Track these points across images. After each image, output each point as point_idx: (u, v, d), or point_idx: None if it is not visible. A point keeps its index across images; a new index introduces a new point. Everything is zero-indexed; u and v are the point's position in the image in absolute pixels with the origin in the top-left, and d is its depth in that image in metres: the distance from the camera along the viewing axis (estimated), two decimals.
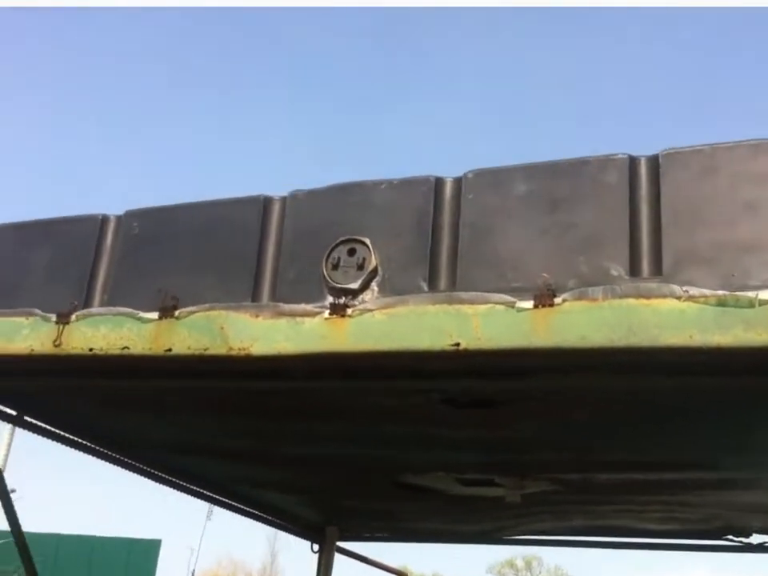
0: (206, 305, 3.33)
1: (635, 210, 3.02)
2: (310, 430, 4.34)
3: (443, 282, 3.18)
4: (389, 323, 3.07)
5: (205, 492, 5.97)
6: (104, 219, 3.77)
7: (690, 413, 3.64)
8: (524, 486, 4.95)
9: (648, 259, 2.97)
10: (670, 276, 2.89)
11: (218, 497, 6.16)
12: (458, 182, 3.27)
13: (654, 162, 3.05)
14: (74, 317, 3.52)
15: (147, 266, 3.58)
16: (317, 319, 3.17)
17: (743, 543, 6.23)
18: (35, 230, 3.88)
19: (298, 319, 3.20)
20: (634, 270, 2.97)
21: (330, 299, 3.24)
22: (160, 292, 3.39)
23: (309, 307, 3.22)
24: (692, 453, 4.25)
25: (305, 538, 7.44)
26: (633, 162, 3.08)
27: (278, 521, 6.99)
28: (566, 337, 2.86)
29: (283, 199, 3.49)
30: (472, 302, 3.00)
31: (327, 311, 3.17)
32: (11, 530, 4.41)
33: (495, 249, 3.13)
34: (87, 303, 3.62)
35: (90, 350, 3.43)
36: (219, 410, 4.11)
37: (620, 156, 3.09)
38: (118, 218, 3.75)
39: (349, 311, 3.14)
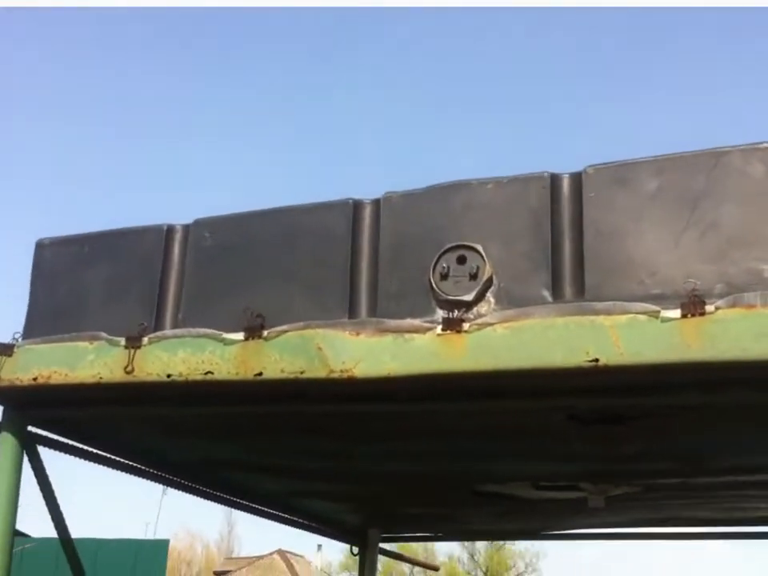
0: (299, 323, 3.01)
1: None
2: (398, 449, 4.03)
3: (569, 290, 2.87)
4: (513, 338, 2.76)
5: (247, 503, 5.63)
6: (169, 230, 3.44)
7: None
8: (609, 490, 4.66)
9: None
10: None
11: (258, 507, 5.83)
12: (576, 178, 2.96)
13: None
14: (145, 340, 3.20)
15: (225, 281, 3.26)
16: (428, 336, 2.86)
17: None
18: (91, 244, 3.55)
19: (407, 336, 2.88)
20: None
21: (441, 313, 2.93)
22: (246, 311, 3.06)
23: (417, 322, 2.90)
24: None
25: (344, 541, 7.25)
26: None
27: (317, 526, 6.71)
28: (723, 349, 2.56)
29: (375, 202, 3.17)
30: (608, 313, 2.70)
31: (439, 326, 2.86)
32: (59, 537, 4.03)
33: (627, 252, 2.82)
34: (158, 324, 3.30)
35: (168, 376, 3.11)
36: (302, 432, 3.79)
37: (765, 144, 2.79)
38: (186, 228, 3.42)
39: (465, 326, 2.83)
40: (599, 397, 2.93)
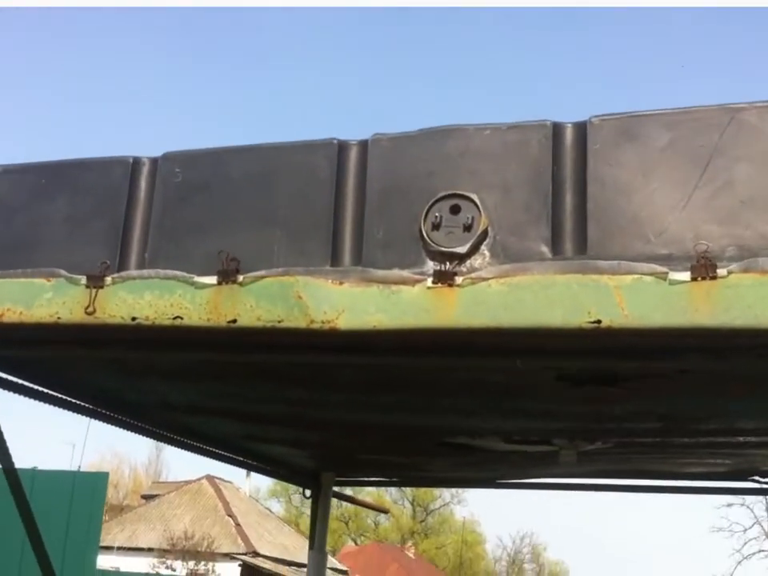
0: (278, 269, 2.82)
1: None
2: (370, 400, 3.88)
3: (569, 246, 2.72)
4: (509, 295, 2.60)
5: (199, 445, 5.42)
6: (136, 162, 3.20)
7: None
8: (582, 445, 4.57)
9: None
10: None
11: (213, 449, 5.63)
12: (580, 128, 2.80)
13: None
14: (108, 280, 2.98)
15: (196, 221, 3.04)
16: (417, 288, 2.69)
17: None
18: (51, 174, 3.28)
19: (393, 288, 2.71)
20: None
21: (432, 265, 2.76)
22: (221, 254, 2.85)
23: (405, 273, 2.73)
24: None
25: (297, 484, 7.22)
26: None
27: (271, 468, 6.58)
28: (735, 315, 2.43)
29: (362, 144, 2.97)
30: (613, 272, 2.55)
31: (430, 279, 2.69)
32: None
33: (633, 209, 2.67)
34: (122, 264, 3.07)
35: (134, 319, 2.90)
36: (269, 379, 3.61)
37: None
38: (154, 162, 3.18)
39: (458, 279, 2.66)
40: (597, 358, 2.81)
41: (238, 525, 39.77)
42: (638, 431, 4.27)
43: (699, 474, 6.00)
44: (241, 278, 2.84)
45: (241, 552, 37.71)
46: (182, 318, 2.85)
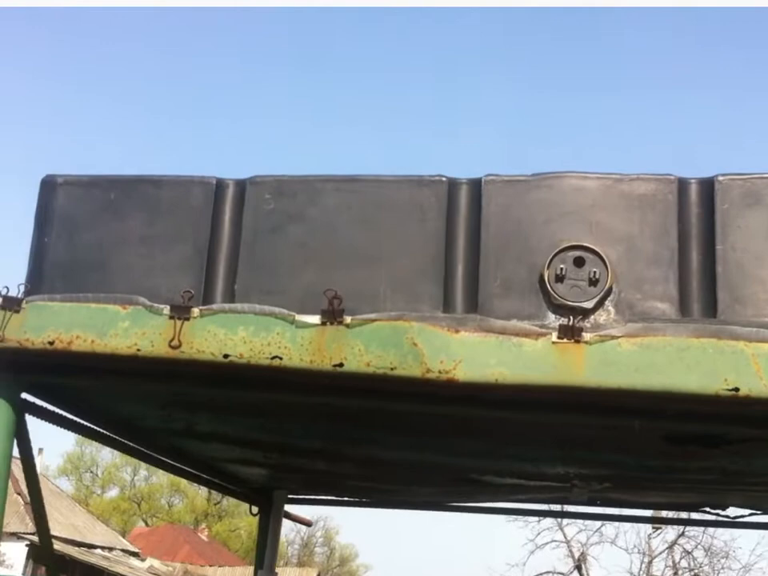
0: (391, 313, 2.78)
1: None
2: (414, 442, 3.85)
3: (697, 308, 2.76)
4: (641, 356, 2.63)
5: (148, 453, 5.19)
6: (219, 185, 3.11)
7: None
8: (602, 486, 4.63)
9: None
10: None
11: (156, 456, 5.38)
12: (706, 185, 2.84)
13: None
14: (196, 311, 2.89)
15: (291, 253, 2.97)
16: (541, 342, 2.69)
17: (720, 516, 6.14)
18: (121, 190, 3.16)
19: (515, 340, 2.71)
20: None
21: (553, 318, 2.76)
22: (327, 292, 2.79)
23: (527, 325, 2.72)
24: None
25: (244, 500, 7.01)
26: None
27: (219, 482, 6.37)
28: None
29: (474, 183, 2.96)
30: (749, 339, 2.60)
31: (554, 333, 2.69)
32: None
33: (764, 274, 2.73)
34: (208, 294, 2.99)
35: (226, 356, 2.81)
36: (351, 422, 3.56)
37: None
38: (239, 185, 3.10)
39: (585, 336, 2.67)
40: (717, 423, 2.85)
41: (27, 503, 38.67)
42: (680, 481, 4.35)
43: (658, 504, 6.15)
44: (348, 319, 2.78)
45: (29, 532, 36.64)
46: (280, 359, 2.78)
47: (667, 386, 2.60)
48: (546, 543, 25.74)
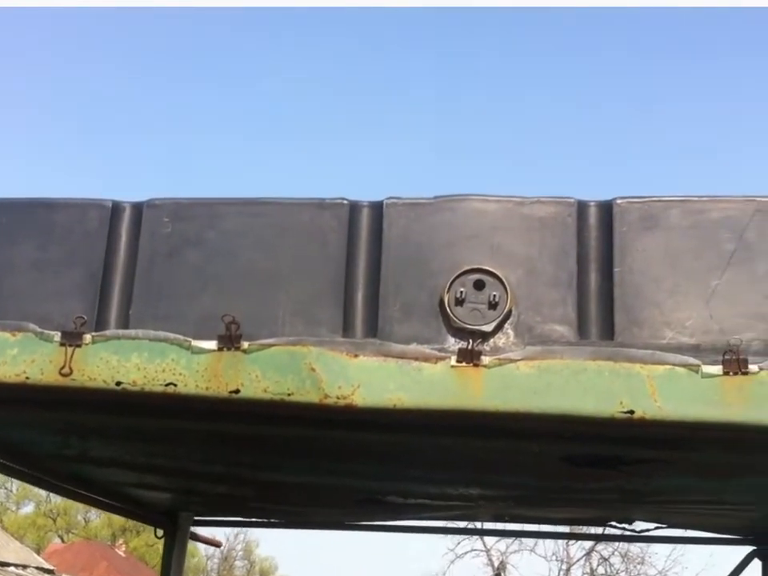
0: (288, 338, 2.79)
1: None
2: (320, 466, 3.85)
3: (595, 330, 2.82)
4: (539, 379, 2.67)
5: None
6: (116, 208, 3.10)
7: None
8: (508, 505, 4.69)
9: None
10: None
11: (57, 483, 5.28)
12: (605, 208, 2.92)
13: None
14: (88, 337, 2.86)
15: (189, 278, 2.98)
16: (440, 366, 2.72)
17: (627, 530, 6.26)
18: (13, 213, 3.14)
19: (414, 364, 2.73)
20: None
21: (453, 341, 2.80)
22: (225, 317, 2.79)
23: (426, 349, 2.75)
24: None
25: (149, 523, 6.92)
26: None
27: (122, 506, 6.28)
28: (767, 412, 2.58)
29: (376, 206, 2.99)
30: (644, 361, 2.66)
31: (453, 357, 2.72)
32: None
33: (660, 296, 2.81)
34: (101, 320, 2.97)
35: (118, 383, 2.79)
36: (251, 447, 3.55)
37: None
38: (137, 208, 3.10)
39: (484, 360, 2.71)
40: (614, 445, 2.90)
41: None
42: (581, 500, 4.42)
43: (565, 519, 6.24)
44: (245, 344, 2.78)
45: None
46: (175, 385, 2.77)
47: (564, 409, 2.64)
48: (466, 552, 26.12)
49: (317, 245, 2.96)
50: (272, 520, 6.88)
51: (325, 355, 2.75)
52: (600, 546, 26.24)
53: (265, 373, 2.76)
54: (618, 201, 2.90)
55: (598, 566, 27.26)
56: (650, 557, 27.02)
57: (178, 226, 3.03)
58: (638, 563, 27.11)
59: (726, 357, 2.64)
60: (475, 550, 26.54)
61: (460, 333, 2.80)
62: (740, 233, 2.82)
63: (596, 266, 2.87)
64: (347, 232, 2.96)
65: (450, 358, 2.73)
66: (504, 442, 3.00)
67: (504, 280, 2.82)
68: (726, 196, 2.88)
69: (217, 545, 10.52)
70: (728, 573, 5.75)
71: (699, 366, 2.64)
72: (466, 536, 25.04)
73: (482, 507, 4.88)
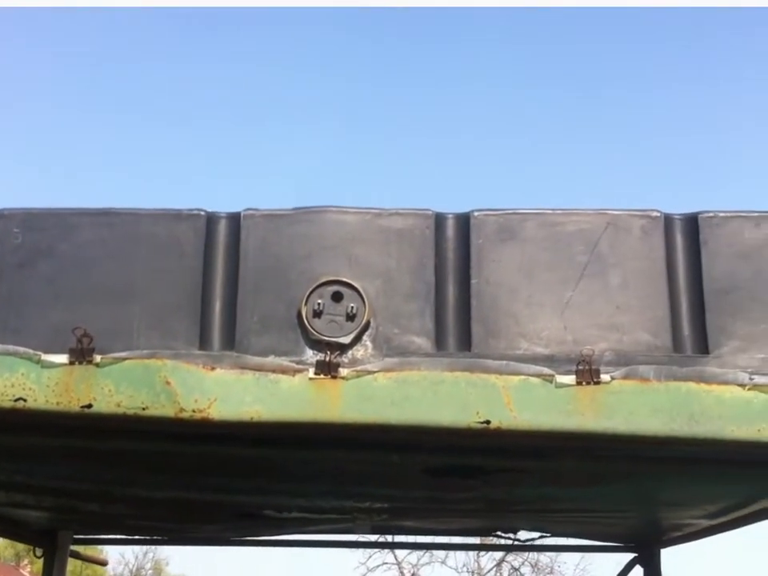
0: (142, 351, 2.77)
1: (674, 277, 2.93)
2: (178, 481, 3.81)
3: (452, 341, 2.88)
4: (397, 391, 2.72)
5: None
6: None
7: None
8: (383, 518, 4.73)
9: (692, 334, 2.88)
10: (719, 356, 2.83)
11: None
12: (462, 220, 2.98)
13: (692, 221, 2.97)
14: None
15: (40, 290, 2.92)
16: (298, 378, 2.74)
17: (512, 539, 6.40)
18: None
19: (272, 376, 2.74)
20: (677, 346, 2.86)
21: (311, 354, 2.82)
22: (76, 330, 2.75)
23: (284, 362, 2.77)
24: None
25: (27, 542, 6.76)
26: (668, 220, 2.98)
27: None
28: (618, 421, 2.69)
29: (234, 218, 3.00)
30: (500, 372, 2.74)
31: (311, 369, 2.75)
32: None
33: (516, 308, 2.89)
34: None
35: None
36: (110, 463, 3.48)
37: (656, 213, 2.97)
38: None
39: (342, 371, 2.74)
40: (474, 455, 2.97)
41: None
42: (454, 510, 4.50)
43: (449, 530, 6.34)
44: (98, 358, 2.75)
45: None
46: (25, 400, 2.72)
47: (421, 420, 2.70)
48: (378, 566, 26.16)
49: (173, 256, 2.94)
50: (154, 537, 6.82)
51: (180, 368, 2.74)
52: (510, 557, 26.54)
53: (118, 387, 2.73)
54: (476, 213, 2.97)
55: None
56: (559, 566, 27.42)
57: (29, 237, 2.98)
58: (548, 573, 27.52)
59: (580, 367, 2.74)
60: (387, 563, 26.60)
61: (318, 345, 2.83)
62: (593, 245, 2.92)
63: (453, 277, 2.93)
64: (204, 243, 2.95)
65: (308, 370, 2.76)
66: (365, 454, 3.03)
67: (362, 292, 2.86)
68: (580, 209, 2.98)
69: (102, 563, 10.35)
70: None
71: (553, 376, 2.73)
72: (377, 549, 25.10)
73: (360, 520, 4.91)
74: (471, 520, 5.36)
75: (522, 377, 2.73)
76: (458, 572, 28.27)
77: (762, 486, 3.48)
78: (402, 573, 26.96)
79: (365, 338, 2.86)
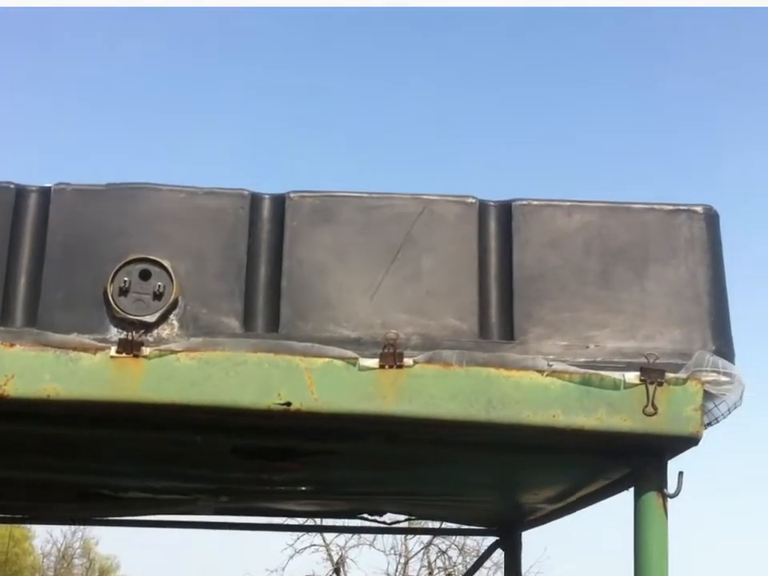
0: None
1: (485, 263, 3.03)
2: (18, 460, 3.82)
3: (261, 322, 2.95)
4: (199, 371, 2.79)
5: None
6: None
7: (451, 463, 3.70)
8: (224, 499, 4.80)
9: (499, 320, 2.99)
10: (524, 342, 2.94)
11: None
12: (278, 201, 3.05)
13: (506, 209, 3.07)
14: None
15: None
16: (99, 357, 2.79)
17: (378, 522, 6.55)
18: None
19: (72, 354, 2.79)
20: (483, 332, 2.97)
21: (116, 332, 2.86)
22: None
23: (86, 339, 2.81)
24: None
25: None
26: (482, 206, 3.08)
27: None
28: (419, 405, 2.79)
29: (44, 191, 3.02)
30: (304, 354, 2.82)
31: (114, 347, 2.80)
32: None
33: (327, 290, 2.97)
34: None
35: None
36: None
37: (471, 200, 3.07)
38: None
39: (145, 350, 2.79)
40: (280, 437, 3.05)
41: None
42: (287, 492, 4.58)
43: (313, 512, 6.46)
44: None
45: None
46: None
47: (221, 401, 2.77)
48: (305, 548, 26.18)
49: None
50: (14, 516, 6.81)
51: None
52: (438, 540, 26.74)
53: None
54: (291, 194, 3.04)
55: (436, 558, 27.76)
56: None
57: None
58: (474, 556, 27.84)
59: (384, 351, 2.84)
60: (314, 545, 26.56)
61: (122, 323, 2.87)
62: (407, 230, 3.01)
63: (266, 258, 2.99)
64: (11, 217, 2.97)
65: (110, 348, 2.81)
66: (170, 434, 3.08)
67: (170, 270, 2.91)
68: (397, 194, 3.07)
69: None
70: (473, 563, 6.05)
71: (357, 359, 2.82)
72: (305, 532, 25.07)
73: (202, 501, 4.97)
74: (337, 502, 5.48)
75: (326, 359, 2.82)
76: (386, 554, 28.50)
77: (580, 472, 3.63)
78: (330, 555, 27.03)
79: (171, 317, 2.91)
